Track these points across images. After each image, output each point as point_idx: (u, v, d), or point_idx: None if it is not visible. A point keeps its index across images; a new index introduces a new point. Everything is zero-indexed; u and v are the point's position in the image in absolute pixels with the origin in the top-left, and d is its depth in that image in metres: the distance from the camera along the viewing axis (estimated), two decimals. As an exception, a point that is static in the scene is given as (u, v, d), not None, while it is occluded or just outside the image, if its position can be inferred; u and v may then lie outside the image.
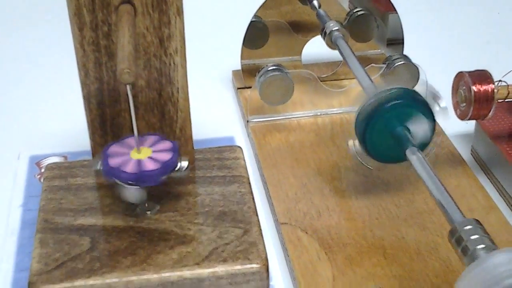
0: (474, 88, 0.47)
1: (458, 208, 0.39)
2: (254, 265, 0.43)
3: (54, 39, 0.69)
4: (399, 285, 0.42)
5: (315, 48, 0.62)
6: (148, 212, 0.46)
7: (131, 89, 0.43)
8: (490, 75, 0.48)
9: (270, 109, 0.58)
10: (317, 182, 0.51)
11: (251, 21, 0.61)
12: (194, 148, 0.50)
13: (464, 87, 0.48)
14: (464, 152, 0.55)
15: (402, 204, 0.49)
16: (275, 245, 0.47)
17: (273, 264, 0.45)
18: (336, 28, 0.57)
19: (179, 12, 0.45)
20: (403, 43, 0.62)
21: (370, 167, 0.49)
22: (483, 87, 0.47)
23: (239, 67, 0.62)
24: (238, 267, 0.42)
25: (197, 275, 0.42)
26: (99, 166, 0.45)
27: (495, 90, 0.47)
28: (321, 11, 0.60)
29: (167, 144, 0.45)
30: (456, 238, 0.37)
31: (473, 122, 0.53)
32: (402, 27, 0.61)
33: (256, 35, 0.61)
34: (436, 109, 0.46)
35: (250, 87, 0.59)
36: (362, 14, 0.62)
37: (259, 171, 0.53)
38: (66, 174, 0.50)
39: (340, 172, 0.52)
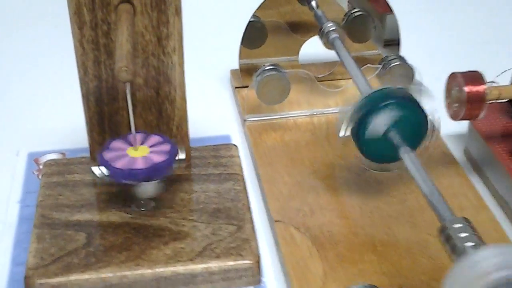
0: (466, 88, 0.48)
1: (448, 206, 0.39)
2: (247, 261, 0.43)
3: (54, 37, 0.69)
4: (388, 282, 0.43)
5: (313, 48, 0.63)
6: (144, 209, 0.47)
7: (129, 87, 0.44)
8: (482, 76, 0.48)
9: (266, 108, 0.58)
10: (311, 181, 0.52)
11: (250, 21, 0.61)
12: (191, 146, 0.51)
13: (456, 88, 0.49)
14: (458, 152, 0.55)
15: (394, 203, 0.49)
16: (268, 242, 0.48)
17: (266, 260, 0.46)
18: (333, 28, 0.58)
19: (178, 12, 0.46)
20: (399, 44, 0.63)
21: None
22: (475, 88, 0.48)
23: (237, 67, 0.63)
24: (231, 263, 0.43)
25: (190, 271, 0.43)
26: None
27: (487, 91, 0.48)
28: (319, 11, 0.61)
29: (167, 147, 0.46)
30: (446, 236, 0.38)
31: (466, 122, 0.54)
32: (399, 28, 0.62)
33: (254, 35, 0.62)
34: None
35: (247, 86, 0.59)
36: (360, 15, 0.63)
37: (255, 169, 0.54)
38: (64, 170, 0.50)
39: (334, 171, 0.53)
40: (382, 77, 0.58)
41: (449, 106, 0.50)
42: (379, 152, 0.47)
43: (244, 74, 0.63)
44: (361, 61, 0.61)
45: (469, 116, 0.49)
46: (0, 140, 0.58)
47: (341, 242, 0.46)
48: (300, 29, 0.64)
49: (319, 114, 0.59)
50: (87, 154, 0.50)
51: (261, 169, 0.53)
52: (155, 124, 0.49)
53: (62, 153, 0.55)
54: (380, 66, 0.58)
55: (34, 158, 0.55)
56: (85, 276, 0.42)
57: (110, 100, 0.48)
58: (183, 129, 0.50)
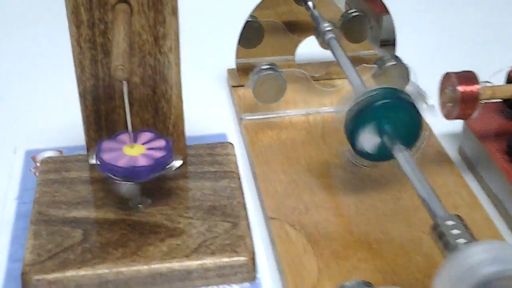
0: (459, 88, 0.48)
1: (441, 204, 0.40)
2: (241, 258, 0.44)
3: (51, 36, 0.70)
4: (382, 279, 0.44)
5: (310, 48, 0.63)
6: (140, 206, 0.47)
7: (126, 86, 0.44)
8: (476, 76, 0.49)
9: (263, 107, 0.59)
10: (307, 179, 0.52)
11: (247, 21, 0.62)
12: (188, 144, 0.52)
13: (450, 88, 0.49)
14: (452, 151, 0.56)
15: (388, 201, 0.50)
16: (263, 239, 0.48)
17: (261, 257, 0.46)
18: (329, 28, 0.58)
19: (174, 11, 0.46)
20: (395, 44, 0.63)
21: (366, 167, 0.50)
22: (469, 88, 0.48)
23: (234, 66, 0.63)
24: (226, 259, 0.44)
25: (185, 267, 0.43)
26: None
27: (480, 91, 0.48)
28: (315, 11, 0.61)
29: (161, 142, 0.46)
30: (438, 232, 0.38)
31: (460, 122, 0.55)
32: (395, 28, 0.62)
33: (251, 34, 0.62)
34: (423, 107, 0.47)
35: (244, 85, 0.60)
36: (357, 15, 0.63)
37: (251, 168, 0.55)
38: (61, 168, 0.51)
39: (329, 169, 0.53)
40: (377, 77, 0.58)
41: (443, 105, 0.50)
42: (373, 151, 0.47)
43: (241, 73, 0.63)
44: (357, 61, 0.61)
45: (463, 116, 0.49)
46: (-2, 138, 0.58)
47: (336, 239, 0.47)
48: (297, 29, 0.64)
49: (314, 113, 0.59)
50: (84, 152, 0.51)
51: (257, 167, 0.53)
52: (152, 122, 0.50)
53: (59, 151, 0.56)
54: (376, 66, 0.59)
55: (31, 156, 0.55)
56: (82, 272, 0.43)
57: (107, 98, 0.48)
58: (179, 128, 0.50)
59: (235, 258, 0.44)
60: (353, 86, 0.51)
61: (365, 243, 0.46)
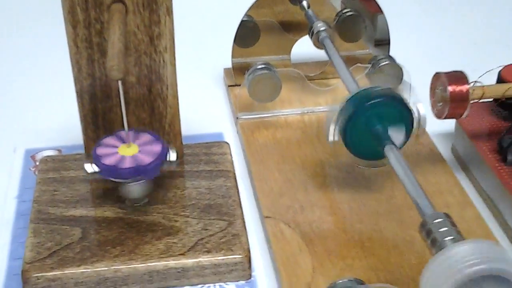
0: (449, 88, 0.49)
1: (430, 202, 0.41)
2: (237, 256, 0.45)
3: (48, 36, 0.70)
4: (375, 277, 0.44)
5: (306, 47, 0.64)
6: (137, 205, 0.48)
7: (121, 85, 0.45)
8: (465, 76, 0.50)
9: (259, 106, 0.60)
10: (302, 178, 0.53)
11: (242, 21, 0.62)
12: (184, 143, 0.52)
13: (441, 87, 0.50)
14: (445, 150, 0.57)
15: (382, 200, 0.50)
16: (259, 238, 0.49)
17: (256, 255, 0.47)
18: (323, 28, 0.59)
19: (169, 11, 0.47)
20: (389, 44, 0.64)
21: (359, 166, 0.50)
22: (458, 88, 0.49)
23: (230, 65, 0.64)
24: (221, 257, 0.44)
25: (182, 265, 0.44)
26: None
27: (470, 91, 0.49)
28: (309, 11, 0.62)
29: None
30: (426, 230, 0.39)
31: (453, 121, 0.55)
32: (388, 28, 0.63)
33: (247, 34, 0.63)
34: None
35: (240, 85, 0.60)
36: (351, 15, 0.64)
37: (247, 167, 0.55)
38: (60, 167, 0.52)
39: (323, 169, 0.54)
40: (371, 76, 0.59)
41: (433, 105, 0.51)
42: (366, 150, 0.48)
43: (237, 72, 0.64)
44: (352, 60, 0.62)
45: (453, 115, 0.50)
46: (-2, 137, 0.59)
47: (330, 238, 0.47)
48: (293, 29, 0.64)
49: (310, 112, 0.60)
50: (83, 151, 0.51)
51: (252, 166, 0.54)
52: (148, 121, 0.50)
53: (58, 150, 0.56)
54: (370, 65, 0.59)
55: (31, 155, 0.56)
56: (80, 269, 0.44)
57: (103, 97, 0.49)
58: (176, 127, 0.51)
59: (231, 256, 0.45)
60: (346, 85, 0.52)
61: (359, 241, 0.47)
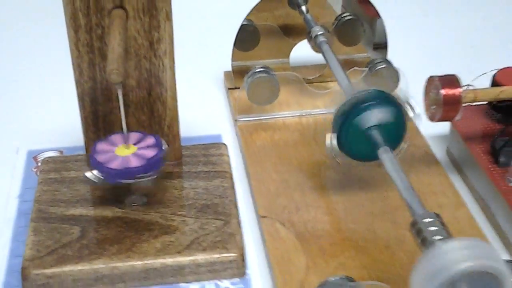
0: (442, 91, 0.50)
1: (420, 202, 0.41)
2: (232, 254, 0.46)
3: (51, 40, 0.71)
4: (367, 275, 0.45)
5: (306, 51, 0.64)
6: (135, 204, 0.49)
7: (121, 89, 0.46)
8: (458, 79, 0.50)
9: (257, 109, 0.61)
10: (298, 179, 0.54)
11: (242, 25, 0.63)
12: (183, 145, 0.53)
13: (434, 91, 0.51)
14: (440, 152, 0.57)
15: (376, 200, 0.51)
16: (254, 237, 0.50)
17: (251, 254, 0.48)
18: (321, 32, 0.60)
19: (168, 17, 0.48)
20: (386, 47, 0.65)
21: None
22: (451, 91, 0.50)
23: (230, 69, 0.65)
24: (217, 255, 0.45)
25: (178, 263, 0.45)
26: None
27: (463, 94, 0.50)
28: (308, 16, 0.63)
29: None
30: (417, 229, 0.40)
31: (448, 124, 0.56)
32: (386, 32, 0.64)
33: (247, 38, 0.64)
34: (411, 115, 0.49)
35: (240, 88, 0.61)
36: (350, 19, 0.65)
37: (245, 168, 0.56)
38: (61, 167, 0.53)
39: (320, 170, 0.55)
40: (368, 79, 0.60)
41: (427, 108, 0.52)
42: (360, 152, 0.49)
43: (237, 75, 0.64)
44: (350, 64, 0.63)
45: (446, 118, 0.51)
46: (1, 139, 0.60)
47: (324, 237, 0.48)
48: (292, 33, 0.65)
49: (307, 115, 0.61)
50: (84, 152, 0.52)
51: (250, 168, 0.55)
52: (148, 123, 0.51)
53: (60, 151, 0.57)
54: (367, 69, 0.60)
55: (33, 156, 0.57)
56: (79, 267, 0.45)
57: (104, 100, 0.50)
58: (174, 129, 0.52)
59: (225, 255, 0.46)
60: (342, 88, 0.53)
61: (352, 241, 0.48)
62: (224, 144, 0.56)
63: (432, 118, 0.52)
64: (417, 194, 0.42)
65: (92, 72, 0.49)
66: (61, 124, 0.60)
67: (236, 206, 0.49)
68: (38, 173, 0.54)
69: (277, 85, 0.59)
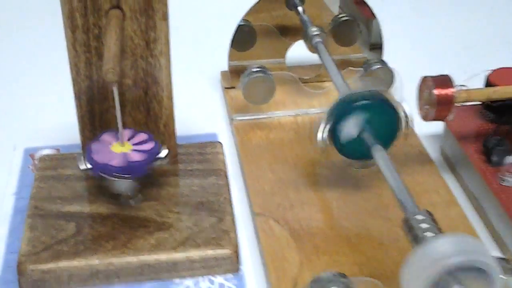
0: (435, 91, 0.50)
1: (412, 200, 0.42)
2: (225, 251, 0.46)
3: (49, 40, 0.71)
4: (360, 271, 0.46)
5: (302, 51, 0.65)
6: (131, 201, 0.49)
7: (116, 87, 0.46)
8: (451, 80, 0.51)
9: (253, 108, 0.61)
10: (293, 177, 0.54)
11: (238, 25, 0.64)
12: (180, 143, 0.54)
13: (427, 91, 0.51)
14: (435, 151, 0.58)
15: (369, 198, 0.52)
16: (249, 234, 0.50)
17: (245, 250, 0.49)
18: (317, 33, 0.60)
19: (165, 17, 0.49)
20: (382, 48, 0.65)
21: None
22: (444, 91, 0.50)
23: (227, 68, 0.65)
24: (211, 252, 0.46)
25: (172, 259, 0.46)
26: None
27: (455, 94, 0.50)
28: (304, 16, 0.63)
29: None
30: (408, 226, 0.40)
31: (442, 123, 0.57)
32: (382, 33, 0.64)
33: (243, 38, 0.64)
34: (402, 114, 0.49)
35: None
36: (346, 20, 0.65)
37: (240, 166, 0.57)
38: (57, 165, 0.53)
39: (314, 168, 0.55)
40: (363, 79, 0.61)
41: (420, 107, 0.53)
42: (354, 150, 0.49)
43: (234, 75, 0.65)
44: (346, 64, 0.63)
45: (439, 117, 0.51)
46: (-1, 137, 0.61)
47: (318, 234, 0.49)
48: (289, 33, 0.66)
49: (303, 114, 0.62)
50: (80, 150, 0.53)
51: (245, 166, 0.56)
52: (144, 122, 0.52)
53: (56, 149, 0.58)
54: (362, 69, 0.61)
55: (30, 153, 0.58)
56: (74, 263, 0.45)
57: (101, 99, 0.51)
58: (170, 127, 0.52)
59: (219, 251, 0.46)
60: (337, 87, 0.53)
61: (345, 238, 0.48)
62: (220, 142, 0.56)
63: (425, 117, 0.52)
64: (409, 191, 0.43)
65: (88, 71, 0.50)
66: (58, 122, 0.61)
67: (230, 204, 0.50)
68: (34, 170, 0.54)
69: (273, 85, 0.60)
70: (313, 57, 0.63)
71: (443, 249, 0.36)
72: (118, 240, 0.47)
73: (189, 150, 0.54)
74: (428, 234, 0.39)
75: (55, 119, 0.61)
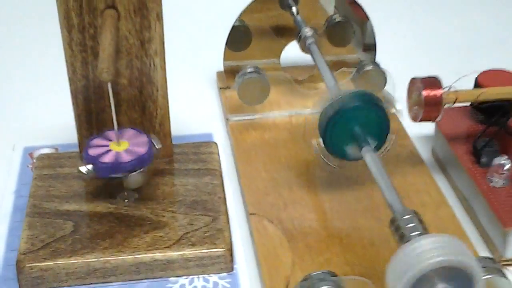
0: (424, 93, 0.51)
1: (400, 200, 0.43)
2: (219, 249, 0.47)
3: (45, 40, 0.72)
4: (350, 271, 0.47)
5: (297, 52, 0.66)
6: (127, 200, 0.50)
7: (111, 87, 0.47)
8: (440, 81, 0.52)
9: (248, 108, 0.62)
10: (287, 177, 0.55)
11: (234, 25, 0.64)
12: (175, 143, 0.55)
13: (416, 92, 0.52)
14: (426, 152, 0.59)
15: (361, 198, 0.53)
16: (243, 233, 0.51)
17: (239, 249, 0.50)
18: (310, 34, 0.61)
19: (159, 17, 0.49)
20: (375, 49, 0.66)
21: (334, 166, 0.53)
22: (432, 92, 0.51)
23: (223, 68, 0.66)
24: (205, 250, 0.47)
25: (167, 257, 0.47)
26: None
27: (444, 95, 0.51)
28: (298, 17, 0.64)
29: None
30: (395, 226, 0.41)
31: (434, 125, 0.58)
32: (375, 34, 0.65)
33: (238, 38, 0.65)
34: (392, 111, 0.50)
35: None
36: (340, 21, 0.66)
37: (235, 166, 0.58)
38: (55, 164, 0.54)
39: (308, 168, 0.56)
40: (356, 80, 0.61)
41: (410, 108, 0.54)
42: (345, 151, 0.50)
43: (229, 75, 0.65)
44: (340, 65, 0.64)
45: (427, 118, 0.52)
46: (-2, 136, 0.61)
47: (310, 234, 0.50)
48: (284, 33, 0.66)
49: (297, 114, 0.62)
50: (77, 149, 0.54)
51: (240, 166, 0.57)
52: (139, 121, 0.53)
53: (55, 148, 0.59)
54: (355, 70, 0.62)
55: (29, 152, 0.58)
56: (72, 260, 0.46)
57: (97, 98, 0.51)
58: (166, 127, 0.53)
59: (214, 250, 0.47)
60: (328, 88, 0.54)
61: (337, 237, 0.49)
62: (215, 142, 0.57)
63: (414, 118, 0.53)
64: (397, 191, 0.44)
65: (85, 70, 0.50)
66: (56, 121, 0.62)
67: (225, 203, 0.51)
68: (33, 169, 0.55)
69: (267, 86, 0.61)
70: (307, 58, 0.64)
71: (425, 249, 0.37)
72: (114, 238, 0.48)
73: (185, 150, 0.55)
74: (414, 233, 0.40)
75: (54, 119, 0.62)
